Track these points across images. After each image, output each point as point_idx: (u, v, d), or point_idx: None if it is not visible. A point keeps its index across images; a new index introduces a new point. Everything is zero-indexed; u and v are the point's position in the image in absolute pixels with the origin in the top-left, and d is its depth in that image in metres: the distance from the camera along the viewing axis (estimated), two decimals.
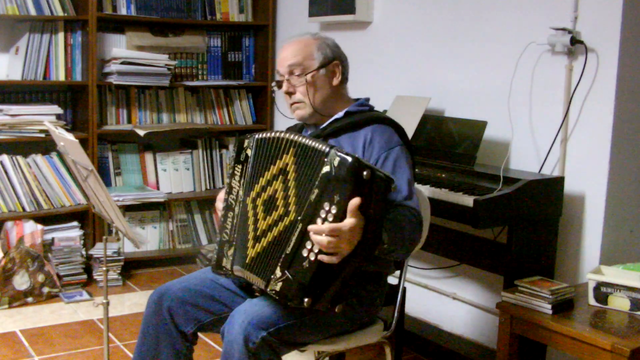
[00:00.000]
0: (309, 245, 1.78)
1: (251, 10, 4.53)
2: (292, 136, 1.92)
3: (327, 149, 1.80)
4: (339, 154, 1.76)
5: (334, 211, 1.74)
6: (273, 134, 1.98)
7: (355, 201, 1.72)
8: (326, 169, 1.77)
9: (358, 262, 1.82)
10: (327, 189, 1.76)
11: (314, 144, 1.85)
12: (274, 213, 1.89)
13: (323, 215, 1.76)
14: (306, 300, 1.80)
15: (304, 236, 1.79)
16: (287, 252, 1.82)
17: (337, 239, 1.72)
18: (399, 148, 2.09)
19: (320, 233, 1.73)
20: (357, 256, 1.79)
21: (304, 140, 1.88)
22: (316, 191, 1.78)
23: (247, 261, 1.95)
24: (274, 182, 1.92)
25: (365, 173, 1.74)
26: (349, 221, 1.72)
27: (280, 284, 1.83)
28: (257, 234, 1.93)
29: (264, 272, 1.89)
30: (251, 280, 1.97)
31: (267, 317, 1.90)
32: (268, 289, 1.85)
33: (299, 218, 1.81)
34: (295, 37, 2.21)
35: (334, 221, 1.74)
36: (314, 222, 1.77)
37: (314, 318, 1.99)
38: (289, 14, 4.45)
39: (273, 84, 2.26)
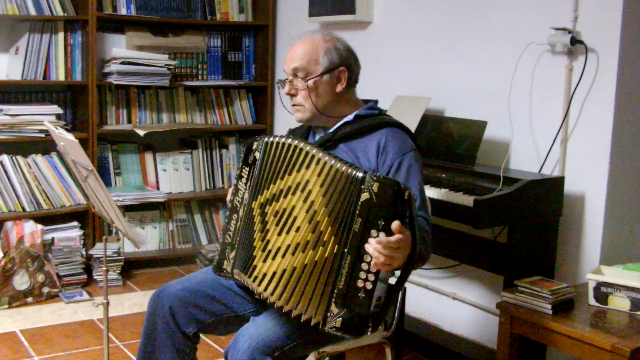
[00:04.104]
0: (363, 275, 1.76)
1: (251, 10, 4.53)
2: (313, 150, 1.88)
3: (361, 175, 1.76)
4: (376, 179, 1.74)
5: (382, 237, 1.73)
6: (286, 141, 1.94)
7: (398, 222, 1.71)
8: (365, 196, 1.74)
9: (404, 280, 1.83)
10: (370, 215, 1.74)
11: (342, 166, 1.81)
12: (293, 233, 1.85)
13: (373, 242, 1.73)
14: (369, 330, 1.79)
15: (355, 267, 1.76)
16: (340, 286, 1.77)
17: (398, 250, 1.72)
18: (412, 153, 2.07)
19: (388, 246, 1.71)
20: (405, 273, 1.80)
21: (331, 160, 1.84)
22: (359, 220, 1.75)
23: (255, 273, 1.92)
24: (290, 195, 1.88)
25: (406, 194, 1.73)
26: (404, 235, 1.73)
27: (339, 319, 1.79)
28: (268, 247, 1.90)
29: (301, 303, 1.83)
30: (250, 286, 1.96)
31: (272, 341, 1.89)
32: (327, 328, 1.81)
33: (346, 250, 1.77)
34: (306, 35, 2.15)
35: None
36: (362, 252, 1.75)
37: (315, 334, 1.99)
38: (289, 14, 4.45)
39: (277, 81, 2.24)
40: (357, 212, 1.75)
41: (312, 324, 1.83)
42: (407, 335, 3.12)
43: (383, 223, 1.72)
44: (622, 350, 2.07)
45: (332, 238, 1.79)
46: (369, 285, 1.76)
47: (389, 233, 1.73)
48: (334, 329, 1.80)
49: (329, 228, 1.80)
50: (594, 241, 2.74)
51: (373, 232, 1.73)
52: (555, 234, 2.80)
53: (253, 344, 1.87)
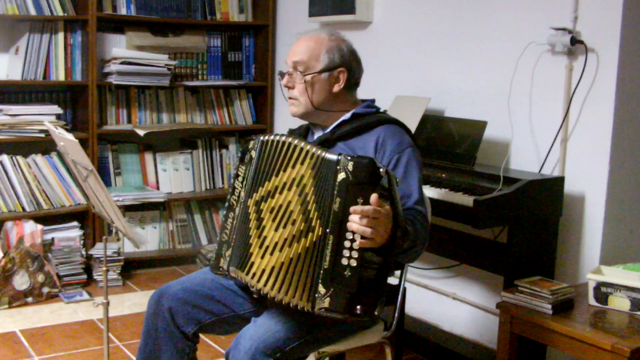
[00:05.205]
0: (346, 253, 1.77)
1: (251, 10, 4.53)
2: (307, 146, 1.89)
3: (336, 157, 1.80)
4: (350, 158, 1.78)
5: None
6: (280, 138, 1.95)
7: (376, 195, 1.73)
8: (342, 176, 1.78)
9: (392, 257, 1.84)
10: (348, 194, 1.77)
11: (325, 155, 1.84)
12: (290, 227, 1.86)
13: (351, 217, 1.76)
14: (358, 308, 1.80)
15: (339, 246, 1.78)
16: (325, 267, 1.79)
17: (377, 221, 1.73)
18: (411, 150, 2.08)
19: (363, 214, 1.72)
20: (390, 250, 1.80)
21: (319, 151, 1.86)
22: (338, 200, 1.78)
23: (253, 270, 1.92)
24: (285, 191, 1.89)
25: (381, 170, 1.76)
26: (383, 209, 1.74)
27: (327, 299, 1.80)
28: (266, 243, 1.90)
29: (297, 292, 1.84)
30: (247, 282, 1.96)
31: (273, 342, 1.90)
32: (316, 310, 1.82)
33: (328, 231, 1.79)
34: (313, 32, 2.17)
35: None
36: (344, 231, 1.77)
37: (315, 334, 2.00)
38: (289, 14, 4.45)
39: (278, 72, 2.25)
40: (336, 192, 1.78)
41: (305, 310, 1.84)
42: (407, 335, 3.12)
43: (362, 201, 1.75)
44: (622, 350, 2.07)
45: (318, 222, 1.82)
46: (353, 263, 1.77)
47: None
48: (323, 309, 1.81)
49: (316, 214, 1.83)
50: (594, 241, 2.74)
51: (353, 209, 1.75)
52: (555, 234, 2.79)
53: (254, 345, 1.87)
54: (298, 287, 1.84)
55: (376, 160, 1.79)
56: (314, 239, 1.82)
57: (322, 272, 1.80)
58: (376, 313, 1.84)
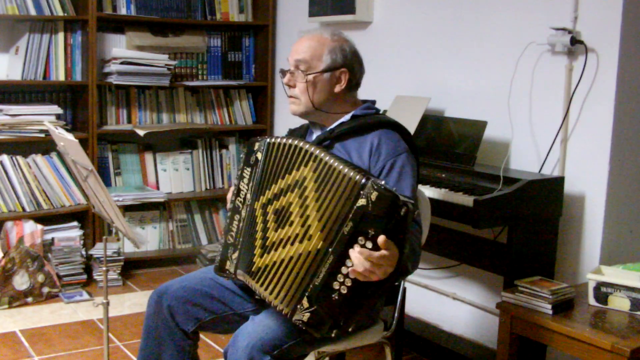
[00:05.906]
0: (340, 279, 1.75)
1: (251, 10, 4.53)
2: (312, 148, 1.88)
3: (364, 181, 1.72)
4: (377, 188, 1.69)
5: (368, 245, 1.70)
6: (287, 141, 1.95)
7: (384, 237, 1.68)
8: (362, 202, 1.71)
9: (383, 291, 1.81)
10: (362, 222, 1.71)
11: (344, 168, 1.78)
12: (287, 228, 1.86)
13: (357, 249, 1.71)
14: (334, 332, 1.79)
15: (336, 268, 1.75)
16: (316, 283, 1.78)
17: (378, 267, 1.69)
18: (405, 155, 2.07)
19: (369, 259, 1.68)
20: (384, 286, 1.77)
21: (327, 157, 1.83)
22: (350, 224, 1.73)
23: (252, 269, 1.94)
24: (289, 193, 1.89)
25: (402, 210, 1.69)
26: (389, 252, 1.69)
27: (307, 314, 1.79)
28: (266, 243, 1.91)
29: (281, 294, 1.85)
30: (253, 288, 1.96)
31: (271, 339, 1.90)
32: (294, 319, 1.82)
33: (330, 250, 1.76)
34: (316, 31, 2.17)
35: None
36: (347, 255, 1.73)
37: None
38: (289, 14, 4.45)
39: (279, 69, 2.25)
40: (351, 215, 1.73)
41: (283, 313, 1.84)
42: (407, 335, 3.12)
43: (373, 233, 1.69)
44: (622, 350, 2.07)
45: (319, 234, 1.79)
46: (343, 290, 1.75)
47: (376, 244, 1.69)
48: (300, 322, 1.81)
49: (316, 223, 1.80)
50: (594, 241, 2.74)
51: (361, 239, 1.71)
52: (555, 234, 2.79)
53: (252, 342, 1.88)
54: (283, 290, 1.84)
55: (400, 197, 1.70)
56: (310, 249, 1.80)
57: (311, 286, 1.79)
58: (350, 330, 1.84)
